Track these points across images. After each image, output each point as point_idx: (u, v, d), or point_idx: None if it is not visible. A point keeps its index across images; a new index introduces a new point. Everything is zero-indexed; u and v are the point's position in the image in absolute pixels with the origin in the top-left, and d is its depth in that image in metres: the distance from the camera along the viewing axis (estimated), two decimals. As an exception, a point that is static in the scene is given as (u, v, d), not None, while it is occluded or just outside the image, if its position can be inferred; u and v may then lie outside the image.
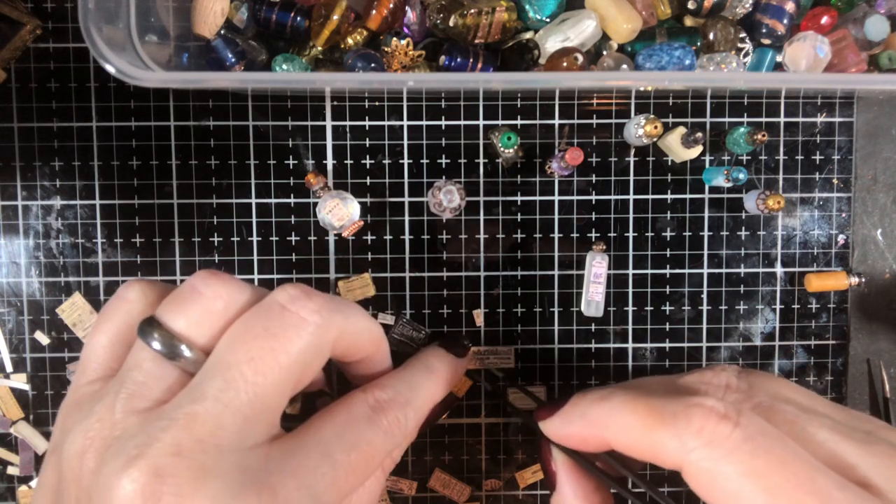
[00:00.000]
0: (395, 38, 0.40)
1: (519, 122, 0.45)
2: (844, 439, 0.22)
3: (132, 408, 0.22)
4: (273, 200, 0.45)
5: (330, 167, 0.45)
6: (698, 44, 0.41)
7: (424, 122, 0.45)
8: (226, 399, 0.21)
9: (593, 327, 0.46)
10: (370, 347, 0.27)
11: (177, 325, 0.23)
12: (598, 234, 0.46)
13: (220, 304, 0.23)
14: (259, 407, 0.21)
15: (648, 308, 0.46)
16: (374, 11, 0.38)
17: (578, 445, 0.27)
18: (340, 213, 0.43)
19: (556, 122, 0.45)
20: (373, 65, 0.38)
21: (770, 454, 0.21)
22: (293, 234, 0.45)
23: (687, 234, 0.46)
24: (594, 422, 0.25)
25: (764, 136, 0.42)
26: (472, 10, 0.39)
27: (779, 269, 0.46)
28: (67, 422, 0.23)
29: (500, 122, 0.45)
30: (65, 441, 0.22)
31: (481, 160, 0.45)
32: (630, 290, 0.46)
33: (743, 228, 0.46)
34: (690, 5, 0.40)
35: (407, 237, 0.45)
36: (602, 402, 0.25)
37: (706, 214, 0.46)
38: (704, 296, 0.46)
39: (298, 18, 0.39)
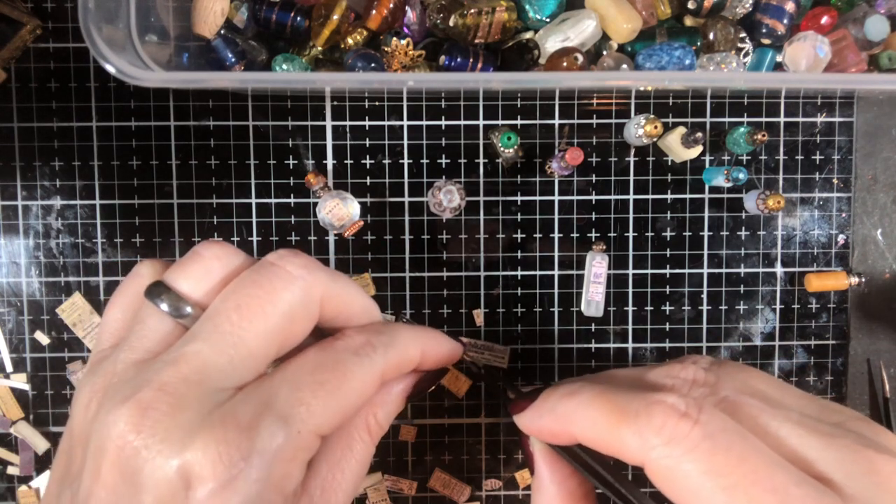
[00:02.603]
0: (395, 38, 0.40)
1: (519, 122, 0.45)
2: (808, 433, 0.22)
3: (132, 359, 0.23)
4: (273, 200, 0.45)
5: (330, 167, 0.45)
6: (698, 44, 0.41)
7: (424, 122, 0.45)
8: (212, 340, 0.22)
9: (593, 327, 0.46)
10: (363, 319, 0.27)
11: (181, 287, 0.24)
12: (598, 234, 0.46)
13: (218, 264, 0.25)
14: (244, 351, 0.22)
15: (648, 308, 0.46)
16: (374, 11, 0.38)
17: (549, 439, 0.27)
18: (340, 213, 0.43)
19: (556, 122, 0.45)
20: (373, 65, 0.38)
21: (729, 451, 0.21)
22: (293, 234, 0.45)
23: (687, 234, 0.46)
24: (562, 417, 0.25)
25: (764, 136, 0.42)
26: (472, 10, 0.39)
27: (779, 269, 0.46)
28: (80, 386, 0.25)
29: (500, 122, 0.45)
30: (75, 402, 0.24)
31: (481, 160, 0.45)
32: (630, 290, 0.46)
33: (743, 228, 0.46)
34: (690, 5, 0.40)
35: (407, 237, 0.45)
36: (570, 397, 0.25)
37: (706, 214, 0.46)
38: (704, 296, 0.46)
39: (298, 18, 0.39)
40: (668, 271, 0.46)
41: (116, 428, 0.20)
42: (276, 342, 0.23)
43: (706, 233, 0.46)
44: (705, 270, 0.46)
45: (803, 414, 0.23)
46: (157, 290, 0.24)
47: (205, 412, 0.21)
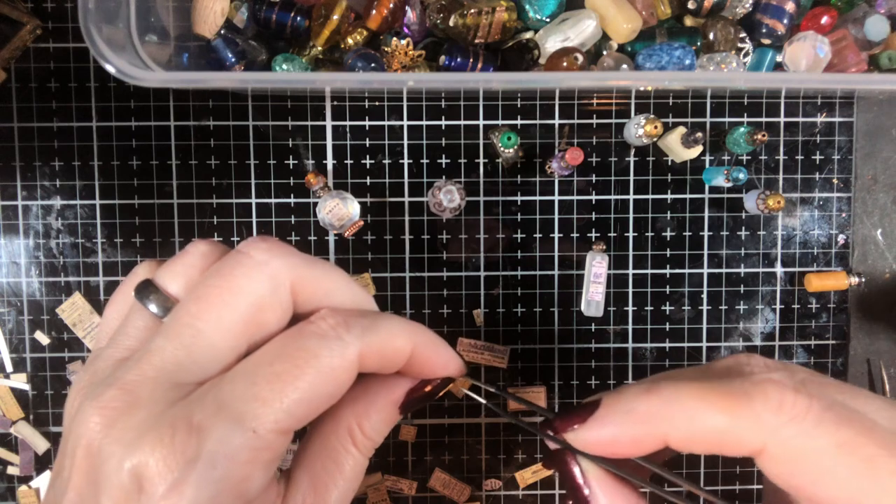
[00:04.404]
0: (395, 38, 0.40)
1: (519, 122, 0.45)
2: (889, 408, 0.21)
3: (114, 357, 0.23)
4: (273, 200, 0.45)
5: (330, 167, 0.45)
6: (698, 44, 0.41)
7: (424, 122, 0.45)
8: (171, 334, 0.22)
9: (593, 327, 0.46)
10: (350, 307, 0.25)
11: (168, 285, 0.24)
12: (598, 234, 0.46)
13: (203, 261, 0.24)
14: (203, 344, 0.22)
15: (648, 308, 0.46)
16: (374, 11, 0.38)
17: (627, 450, 0.23)
18: (340, 213, 0.43)
19: (556, 122, 0.45)
20: (373, 65, 0.38)
21: (853, 422, 0.19)
22: (293, 234, 0.45)
23: (687, 234, 0.46)
24: (648, 417, 0.22)
25: (764, 136, 0.42)
26: (472, 10, 0.39)
27: (779, 269, 0.46)
28: (72, 384, 0.25)
29: (500, 122, 0.45)
30: (67, 399, 0.24)
31: (481, 160, 0.45)
32: (630, 290, 0.46)
33: (743, 228, 0.46)
34: (690, 5, 0.40)
35: (407, 237, 0.45)
36: (650, 394, 0.22)
37: (706, 214, 0.46)
38: (704, 296, 0.46)
39: (298, 18, 0.39)
40: (668, 271, 0.46)
41: (84, 427, 0.20)
42: (242, 333, 0.22)
43: (706, 233, 0.46)
44: (705, 270, 0.46)
45: (863, 395, 0.22)
46: (145, 289, 0.24)
47: (157, 411, 0.20)
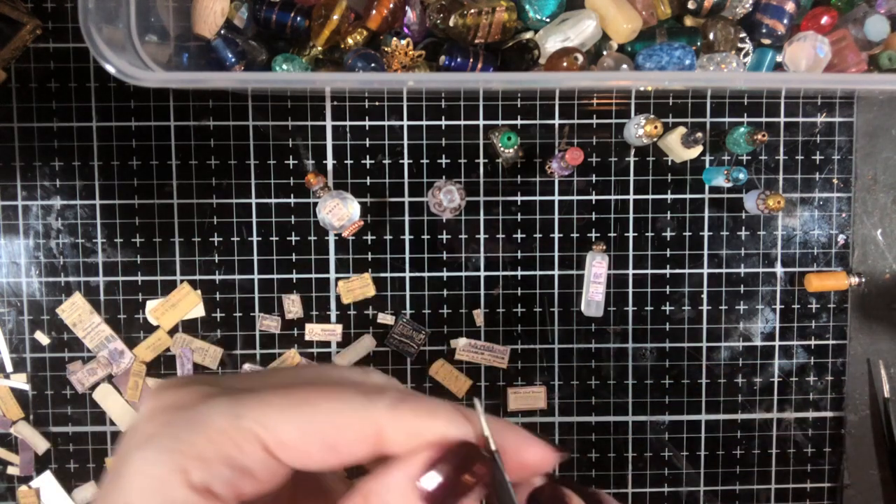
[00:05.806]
0: (395, 38, 0.40)
1: (519, 122, 0.45)
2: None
3: None
4: (273, 200, 0.45)
5: (330, 167, 0.45)
6: (698, 44, 0.41)
7: (424, 122, 0.45)
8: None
9: (593, 327, 0.46)
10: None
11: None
12: (598, 234, 0.46)
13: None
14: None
15: (648, 308, 0.46)
16: (374, 11, 0.38)
17: None
18: (340, 213, 0.43)
19: (556, 122, 0.45)
20: (373, 65, 0.38)
21: None
22: (293, 234, 0.45)
23: (687, 234, 0.46)
24: None
25: (764, 136, 0.42)
26: (472, 10, 0.39)
27: (779, 269, 0.46)
28: None
29: (500, 122, 0.45)
30: None
31: (481, 160, 0.45)
32: (630, 290, 0.46)
33: (743, 228, 0.46)
34: (690, 5, 0.40)
35: (407, 237, 0.45)
36: None
37: (706, 214, 0.46)
38: (704, 296, 0.46)
39: (298, 18, 0.39)
40: (668, 271, 0.46)
41: None
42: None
43: (706, 233, 0.46)
44: (705, 270, 0.46)
45: None
46: None
47: None
